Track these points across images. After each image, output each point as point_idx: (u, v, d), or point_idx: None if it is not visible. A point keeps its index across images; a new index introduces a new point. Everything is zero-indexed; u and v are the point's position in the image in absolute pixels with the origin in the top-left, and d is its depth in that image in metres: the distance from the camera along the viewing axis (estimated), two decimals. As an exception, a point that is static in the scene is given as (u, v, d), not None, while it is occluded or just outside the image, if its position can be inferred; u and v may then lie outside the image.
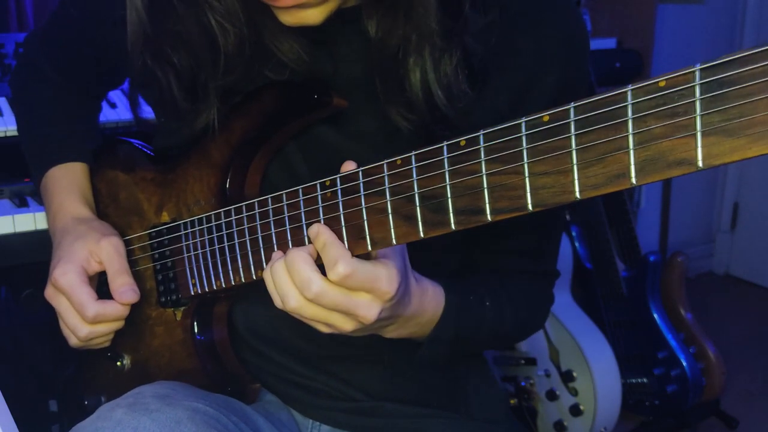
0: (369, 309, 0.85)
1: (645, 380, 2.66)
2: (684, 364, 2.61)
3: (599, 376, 2.37)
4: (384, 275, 0.84)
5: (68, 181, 1.26)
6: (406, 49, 0.93)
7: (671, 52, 3.63)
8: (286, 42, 0.99)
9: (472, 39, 0.93)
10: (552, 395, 2.43)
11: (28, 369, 1.78)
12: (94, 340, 1.14)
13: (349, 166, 0.86)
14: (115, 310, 1.11)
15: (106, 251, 1.13)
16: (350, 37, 1.00)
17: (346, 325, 0.88)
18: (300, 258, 0.85)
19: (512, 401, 2.46)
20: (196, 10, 0.96)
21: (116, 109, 1.75)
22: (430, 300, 0.98)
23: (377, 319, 0.86)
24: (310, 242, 0.88)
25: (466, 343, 1.07)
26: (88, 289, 1.10)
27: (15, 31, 2.11)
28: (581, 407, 2.39)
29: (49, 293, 1.13)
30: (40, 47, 1.37)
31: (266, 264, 0.96)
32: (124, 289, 1.11)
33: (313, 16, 0.91)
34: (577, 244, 2.70)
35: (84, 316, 1.10)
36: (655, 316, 2.65)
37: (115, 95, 1.79)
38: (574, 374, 2.40)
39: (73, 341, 1.14)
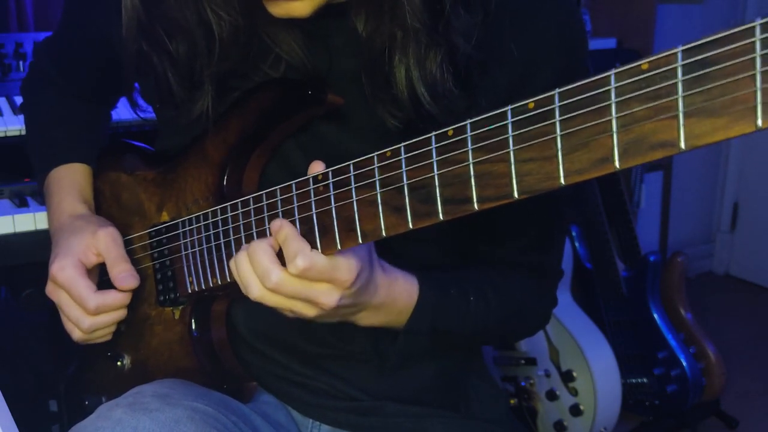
0: (329, 296, 0.88)
1: (645, 380, 2.66)
2: (684, 364, 2.60)
3: (599, 376, 2.37)
4: (343, 265, 0.87)
5: (68, 181, 1.26)
6: (392, 46, 0.93)
7: (671, 52, 3.62)
8: (280, 33, 1.00)
9: (458, 38, 0.93)
10: (552, 395, 2.43)
11: (28, 369, 1.78)
12: (97, 332, 1.14)
13: (316, 167, 0.89)
14: (116, 298, 1.11)
15: (103, 241, 1.13)
16: (343, 31, 1.00)
17: (309, 312, 0.91)
18: (260, 249, 0.89)
19: (512, 401, 2.46)
20: (193, 1, 0.97)
21: (116, 109, 1.75)
22: (401, 290, 1.00)
23: (337, 306, 0.90)
24: (312, 232, 0.89)
25: (449, 336, 1.07)
26: (87, 282, 1.11)
27: (15, 31, 2.12)
28: (581, 407, 2.39)
29: (50, 289, 1.14)
30: (49, 54, 1.38)
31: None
32: (124, 275, 1.12)
33: (301, 8, 0.91)
34: (577, 244, 2.70)
35: (86, 308, 1.10)
36: (655, 316, 2.65)
37: (115, 95, 1.80)
38: (574, 374, 2.40)
39: (76, 335, 1.14)
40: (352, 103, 1.02)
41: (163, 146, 1.21)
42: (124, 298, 1.12)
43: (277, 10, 0.92)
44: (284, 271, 0.87)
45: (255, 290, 0.90)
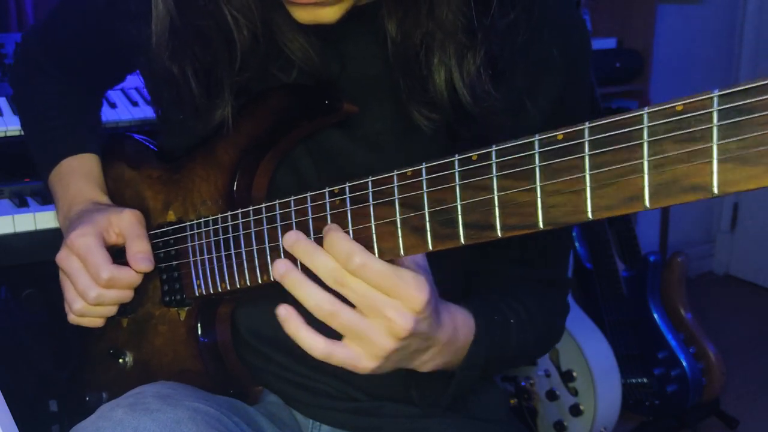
0: (400, 313, 0.82)
1: (645, 380, 2.66)
2: (684, 364, 2.61)
3: (599, 376, 2.37)
4: (410, 278, 0.81)
5: (86, 171, 1.25)
6: (430, 47, 0.92)
7: (671, 52, 3.63)
8: (296, 40, 0.99)
9: (495, 38, 0.92)
10: (552, 395, 2.43)
11: (28, 369, 1.78)
12: (98, 309, 1.12)
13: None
14: (129, 275, 1.10)
15: (128, 219, 1.12)
16: (361, 37, 1.00)
17: (382, 339, 0.84)
18: (317, 251, 0.84)
19: (512, 401, 2.46)
20: (214, 4, 0.96)
21: (116, 109, 1.74)
22: (461, 325, 0.95)
23: (414, 331, 0.83)
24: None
25: (495, 364, 1.05)
26: (105, 252, 1.09)
27: (15, 31, 2.11)
28: (581, 407, 2.39)
29: (62, 255, 1.11)
30: (40, 43, 1.36)
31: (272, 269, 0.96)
32: (141, 256, 1.10)
33: (329, 14, 0.90)
34: (577, 244, 2.70)
35: (98, 278, 1.08)
36: (655, 316, 2.66)
37: (115, 95, 1.79)
38: (574, 374, 2.40)
39: (77, 306, 1.12)
40: (363, 111, 1.01)
41: (167, 145, 1.20)
42: (136, 278, 1.11)
43: (305, 16, 0.91)
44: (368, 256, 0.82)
45: (326, 306, 0.84)
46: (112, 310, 1.14)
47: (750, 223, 4.14)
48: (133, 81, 1.40)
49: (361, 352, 0.86)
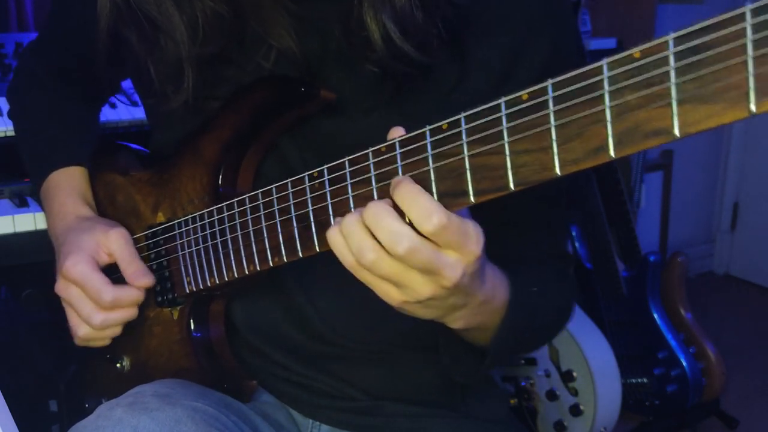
0: (454, 269, 0.78)
1: (645, 380, 2.66)
2: (684, 364, 2.60)
3: (599, 376, 2.36)
4: (473, 233, 0.77)
5: (69, 185, 1.25)
6: None
7: (671, 52, 3.63)
8: (270, 20, 0.99)
9: None
10: (552, 395, 2.42)
11: (28, 369, 1.78)
12: (105, 331, 1.13)
13: (396, 133, 0.80)
14: (131, 294, 1.10)
15: (116, 241, 1.12)
16: (334, 13, 0.99)
17: (424, 288, 0.80)
18: (385, 212, 0.77)
19: (512, 401, 2.46)
20: None
21: (116, 109, 1.75)
22: (499, 284, 0.93)
23: (458, 284, 0.79)
24: (309, 229, 0.88)
25: (524, 335, 1.02)
26: (102, 276, 1.09)
27: (15, 31, 2.12)
28: (581, 407, 2.38)
29: (60, 286, 1.12)
30: (35, 54, 1.37)
31: (258, 259, 0.97)
32: (140, 272, 1.11)
33: None
34: (577, 244, 2.70)
35: (101, 302, 1.08)
36: (655, 316, 2.65)
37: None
38: (574, 374, 2.39)
39: (82, 332, 1.13)
40: (344, 89, 1.02)
41: (156, 144, 1.21)
42: (139, 295, 1.11)
43: None
44: (417, 236, 0.76)
45: (371, 253, 0.78)
46: (117, 331, 1.14)
47: (750, 223, 4.14)
48: (135, 82, 1.41)
49: (393, 289, 0.82)
